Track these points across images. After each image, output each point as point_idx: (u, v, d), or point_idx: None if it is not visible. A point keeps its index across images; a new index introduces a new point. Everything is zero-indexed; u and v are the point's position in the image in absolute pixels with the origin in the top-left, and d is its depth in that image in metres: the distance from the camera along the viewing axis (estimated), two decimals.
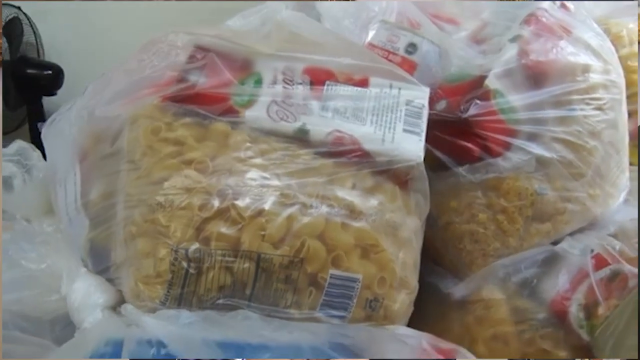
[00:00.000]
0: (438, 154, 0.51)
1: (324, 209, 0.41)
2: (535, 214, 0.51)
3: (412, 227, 0.46)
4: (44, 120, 1.31)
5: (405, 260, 0.45)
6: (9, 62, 1.22)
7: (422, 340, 0.39)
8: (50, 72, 1.23)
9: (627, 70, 0.64)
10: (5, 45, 1.21)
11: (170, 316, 0.37)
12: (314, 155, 0.43)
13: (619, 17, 0.66)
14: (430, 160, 0.50)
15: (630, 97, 0.64)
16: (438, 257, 0.54)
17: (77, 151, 0.51)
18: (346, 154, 0.43)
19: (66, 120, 0.53)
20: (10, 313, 0.40)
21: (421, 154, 0.45)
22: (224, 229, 0.39)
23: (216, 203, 0.40)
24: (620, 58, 0.64)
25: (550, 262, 0.51)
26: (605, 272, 0.48)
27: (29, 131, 1.26)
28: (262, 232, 0.39)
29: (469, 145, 0.51)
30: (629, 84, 0.64)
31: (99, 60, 1.26)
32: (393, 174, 0.45)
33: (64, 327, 0.41)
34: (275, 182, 0.41)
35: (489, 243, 0.51)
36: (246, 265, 0.39)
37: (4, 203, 0.59)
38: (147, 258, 0.40)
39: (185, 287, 0.39)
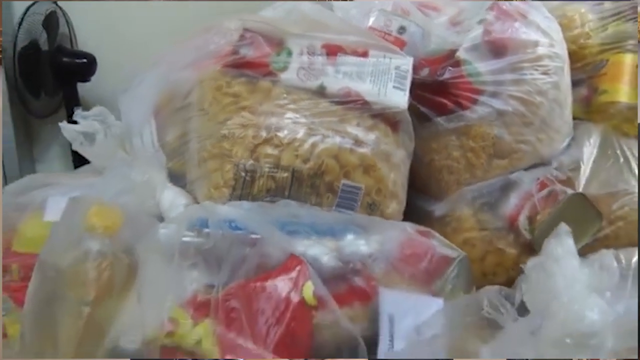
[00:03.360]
0: (422, 108, 0.75)
1: (337, 138, 0.65)
2: (496, 152, 0.75)
3: (400, 156, 0.70)
4: (79, 104, 1.57)
5: (395, 179, 0.69)
6: (47, 52, 1.46)
7: (406, 225, 0.63)
8: (85, 60, 1.47)
9: (579, 47, 0.89)
10: (45, 37, 1.46)
11: (236, 205, 0.61)
12: (330, 103, 0.67)
13: (573, 4, 0.90)
14: (416, 113, 0.75)
15: (582, 67, 0.87)
16: (423, 186, 0.78)
17: (152, 108, 0.75)
18: (352, 103, 0.67)
19: (142, 87, 0.78)
20: None
21: (405, 104, 0.69)
22: (270, 151, 0.63)
23: (264, 134, 0.64)
24: (573, 36, 0.88)
25: (507, 187, 0.74)
26: (544, 192, 0.72)
27: (65, 115, 1.50)
28: (296, 153, 0.64)
29: (445, 101, 0.75)
30: (581, 58, 0.88)
31: (125, 49, 1.52)
32: (385, 117, 0.69)
33: None
34: (304, 120, 0.65)
35: (461, 174, 0.75)
36: (285, 175, 0.63)
37: (88, 155, 0.84)
38: (216, 172, 0.64)
39: (244, 190, 0.63)
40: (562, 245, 0.50)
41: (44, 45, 1.45)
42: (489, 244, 0.72)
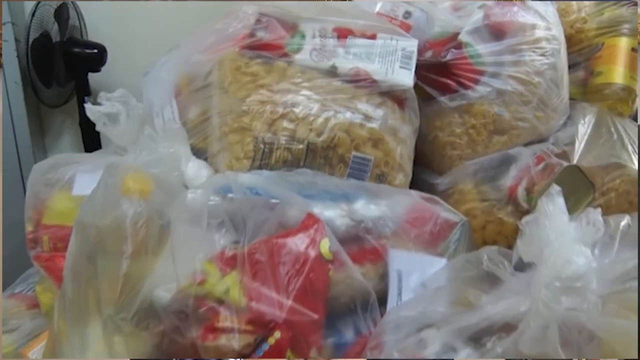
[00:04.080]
0: (427, 88, 0.83)
1: (348, 114, 0.73)
2: (496, 129, 0.82)
3: (406, 132, 0.77)
4: (89, 94, 1.64)
5: (402, 153, 0.76)
6: (59, 43, 1.54)
7: (412, 192, 0.71)
8: (95, 50, 1.55)
9: (576, 31, 0.96)
10: (56, 28, 1.54)
11: (256, 173, 0.69)
12: (341, 82, 0.75)
13: None
14: (421, 93, 0.82)
15: (579, 51, 0.95)
16: (427, 162, 0.86)
17: (173, 89, 0.83)
18: (362, 81, 0.75)
19: (163, 69, 0.85)
20: None
21: (411, 83, 0.76)
22: (286, 125, 0.71)
23: (280, 109, 0.71)
24: (570, 21, 0.95)
25: (506, 162, 0.82)
26: (541, 165, 0.79)
27: (77, 104, 1.58)
28: (310, 127, 0.71)
29: (448, 81, 0.82)
30: (577, 41, 0.95)
31: (134, 39, 1.59)
32: (393, 95, 0.76)
33: None
34: (317, 97, 0.73)
35: (463, 150, 0.83)
36: (300, 147, 0.71)
37: (111, 135, 0.91)
38: (237, 145, 0.72)
39: (262, 160, 0.71)
40: (553, 204, 0.58)
41: (55, 36, 1.53)
42: (490, 214, 0.80)
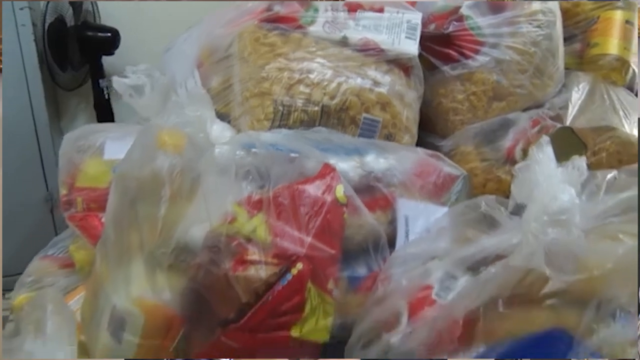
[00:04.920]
0: (431, 58, 0.93)
1: (359, 79, 0.83)
2: (495, 96, 0.92)
3: (412, 96, 0.88)
4: (103, 77, 1.74)
5: (408, 116, 0.86)
6: (73, 27, 1.65)
7: (418, 149, 0.81)
8: (109, 34, 1.66)
9: (573, 5, 1.06)
10: (70, 12, 1.65)
11: (276, 132, 0.79)
12: (352, 51, 0.85)
13: None
14: (426, 63, 0.92)
15: (575, 23, 1.05)
16: (432, 127, 0.96)
17: (195, 61, 0.93)
18: (370, 50, 0.85)
19: (185, 44, 0.96)
20: None
21: (416, 52, 0.87)
22: (302, 89, 0.81)
23: (297, 75, 0.82)
24: None
25: (505, 125, 0.92)
26: (537, 128, 0.89)
27: (91, 87, 1.69)
28: (324, 91, 0.81)
29: (451, 51, 0.92)
30: (574, 15, 1.05)
31: (145, 23, 1.70)
32: (399, 63, 0.87)
33: None
34: (330, 64, 0.83)
35: (464, 115, 0.93)
36: (315, 109, 0.81)
37: (136, 107, 1.01)
38: (258, 108, 0.82)
39: (281, 121, 0.81)
40: (542, 152, 0.68)
41: (70, 20, 1.64)
42: (489, 172, 0.90)
